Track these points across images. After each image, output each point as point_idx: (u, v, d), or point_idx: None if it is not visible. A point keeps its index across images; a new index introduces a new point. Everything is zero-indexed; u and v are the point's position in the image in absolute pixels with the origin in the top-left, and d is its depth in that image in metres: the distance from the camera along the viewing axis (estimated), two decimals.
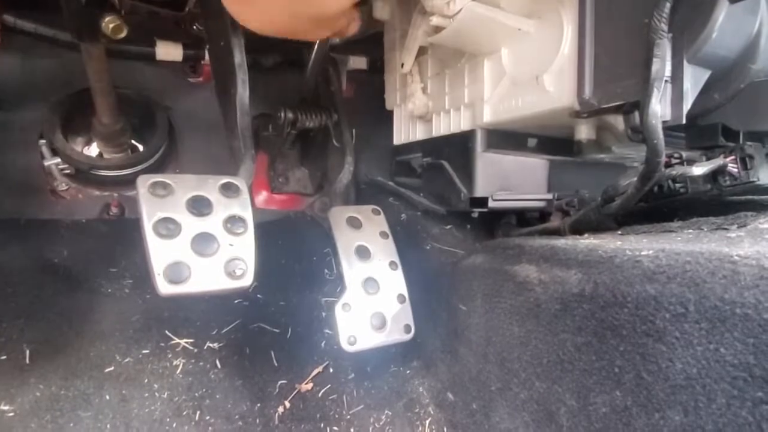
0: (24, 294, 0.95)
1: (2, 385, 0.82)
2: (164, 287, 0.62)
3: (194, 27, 1.30)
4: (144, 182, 0.66)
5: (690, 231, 0.63)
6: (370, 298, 0.91)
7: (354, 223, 0.97)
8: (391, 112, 1.27)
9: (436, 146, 1.10)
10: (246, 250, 0.68)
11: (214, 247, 0.66)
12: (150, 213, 0.64)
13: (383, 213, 1.04)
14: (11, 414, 0.80)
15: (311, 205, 1.22)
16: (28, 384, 0.83)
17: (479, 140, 0.98)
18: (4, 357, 0.86)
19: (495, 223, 1.14)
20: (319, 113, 1.17)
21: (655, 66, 0.61)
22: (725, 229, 0.59)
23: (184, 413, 0.89)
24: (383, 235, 0.99)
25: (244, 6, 0.56)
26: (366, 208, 1.02)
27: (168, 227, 0.64)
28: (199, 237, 0.66)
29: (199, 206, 0.68)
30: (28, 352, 0.87)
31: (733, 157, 0.69)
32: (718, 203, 0.74)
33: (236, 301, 1.09)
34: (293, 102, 1.17)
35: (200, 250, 0.65)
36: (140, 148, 1.26)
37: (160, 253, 0.62)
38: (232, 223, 0.69)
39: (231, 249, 0.67)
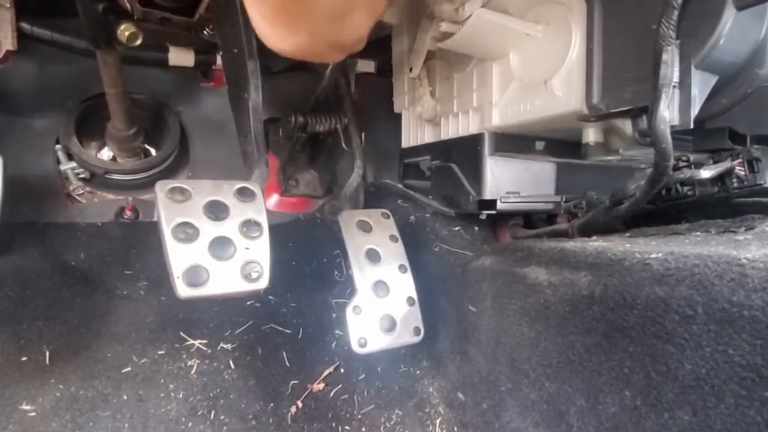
0: (42, 296, 0.97)
1: (23, 386, 0.84)
2: (183, 290, 0.63)
3: (205, 32, 1.32)
4: (162, 188, 0.68)
5: (698, 233, 0.64)
6: (380, 301, 0.92)
7: (364, 227, 0.99)
8: (399, 115, 1.29)
9: (444, 149, 1.11)
10: (261, 254, 0.70)
11: (231, 251, 0.68)
12: (169, 218, 0.66)
13: (392, 216, 1.05)
14: (33, 414, 0.82)
15: (321, 208, 1.23)
16: (48, 384, 0.85)
17: (487, 143, 0.99)
18: (24, 358, 0.88)
19: (503, 225, 1.16)
20: (329, 117, 1.17)
21: (663, 72, 0.62)
22: (733, 231, 0.60)
23: (200, 413, 0.90)
24: (393, 238, 1.00)
25: (281, 35, 0.57)
26: (375, 212, 1.03)
27: (186, 231, 0.66)
28: (217, 241, 0.67)
29: (216, 211, 0.69)
30: (47, 353, 0.89)
31: (740, 160, 0.70)
32: (725, 206, 0.75)
33: (248, 303, 1.11)
34: (303, 106, 1.18)
35: (218, 254, 0.67)
36: (153, 152, 1.28)
37: (179, 257, 0.64)
38: (248, 227, 0.71)
39: (247, 252, 0.69)
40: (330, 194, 1.34)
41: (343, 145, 1.18)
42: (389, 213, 1.04)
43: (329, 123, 1.17)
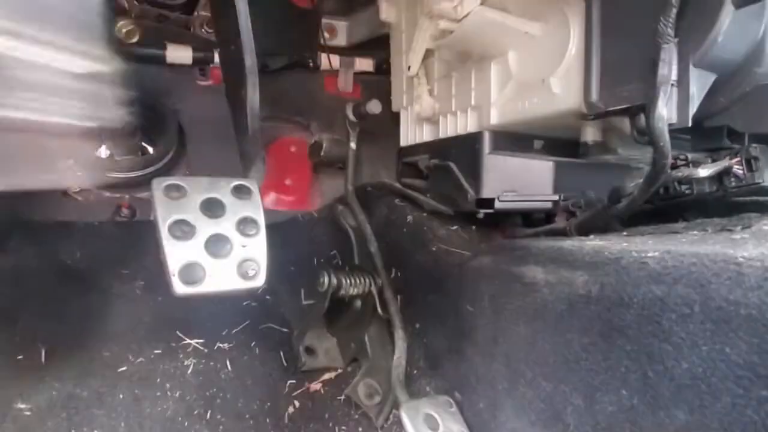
0: (38, 295, 0.97)
1: (19, 385, 0.84)
2: (179, 288, 0.63)
3: (203, 30, 1.32)
4: (158, 185, 0.67)
5: (695, 232, 0.64)
6: None
7: (431, 424, 0.84)
8: (397, 114, 1.28)
9: (442, 148, 1.10)
10: (258, 252, 0.70)
11: (227, 249, 0.68)
12: (165, 215, 0.65)
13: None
14: (28, 413, 0.81)
15: (354, 389, 1.03)
16: (43, 383, 0.85)
17: (486, 142, 0.98)
18: (20, 357, 0.87)
19: (501, 224, 1.15)
20: (363, 278, 1.07)
21: (662, 70, 0.61)
22: (730, 230, 0.60)
23: (196, 412, 0.90)
24: None
25: None
26: (443, 401, 0.89)
27: (183, 229, 0.65)
28: (213, 238, 0.67)
29: (213, 208, 0.69)
30: (43, 352, 0.89)
31: (738, 159, 0.69)
32: (723, 204, 0.75)
33: (245, 303, 1.11)
34: (336, 266, 1.10)
35: (214, 252, 0.66)
36: (150, 150, 1.27)
37: (175, 254, 0.64)
38: (245, 224, 0.70)
39: (243, 250, 0.69)
40: (354, 364, 1.13)
41: (379, 310, 1.06)
42: (452, 401, 0.90)
43: (363, 285, 1.06)
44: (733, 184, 0.69)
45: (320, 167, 1.41)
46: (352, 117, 1.26)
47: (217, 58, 1.26)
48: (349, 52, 1.46)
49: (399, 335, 1.01)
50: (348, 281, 1.05)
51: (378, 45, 1.39)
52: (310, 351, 1.09)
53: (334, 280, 1.02)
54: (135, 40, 0.93)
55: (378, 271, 1.09)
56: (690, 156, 0.74)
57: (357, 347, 1.09)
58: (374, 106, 1.20)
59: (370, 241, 1.13)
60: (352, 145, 1.29)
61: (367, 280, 1.07)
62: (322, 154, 1.28)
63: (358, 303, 1.11)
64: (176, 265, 0.64)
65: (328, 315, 1.10)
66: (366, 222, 1.17)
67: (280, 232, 1.26)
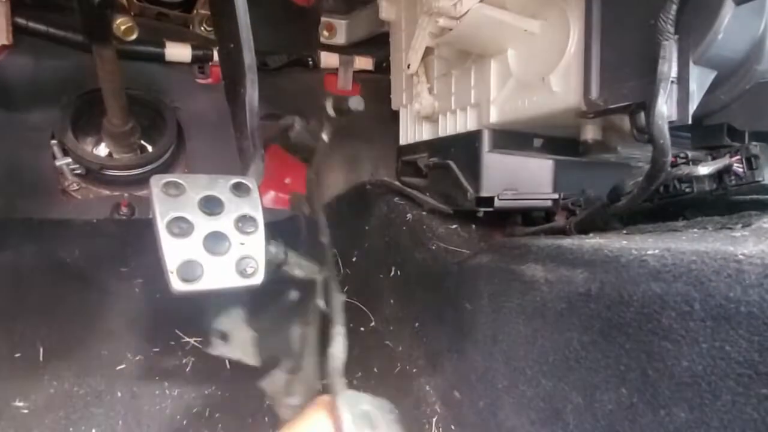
0: (37, 293, 0.96)
1: (17, 383, 0.84)
2: (178, 285, 0.63)
3: (202, 28, 1.32)
4: (157, 182, 0.67)
5: (695, 230, 0.64)
6: None
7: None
8: (396, 112, 1.28)
9: (442, 146, 1.10)
10: (256, 249, 0.69)
11: (226, 246, 0.67)
12: (163, 212, 0.65)
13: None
14: (25, 411, 0.81)
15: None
16: (41, 381, 0.85)
17: (485, 140, 0.98)
18: (18, 355, 0.87)
19: (500, 223, 1.15)
20: (312, 264, 0.98)
21: (662, 67, 0.61)
22: (730, 228, 0.60)
23: (194, 410, 0.90)
24: None
25: None
26: (385, 404, 0.82)
27: (181, 226, 0.65)
28: (211, 236, 0.67)
29: (211, 206, 0.69)
30: (41, 350, 0.89)
31: (738, 157, 0.69)
32: (723, 203, 0.75)
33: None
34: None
35: (212, 249, 0.66)
36: (149, 148, 1.27)
37: (173, 251, 0.63)
38: (243, 222, 0.70)
39: (242, 248, 0.68)
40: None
41: (321, 304, 0.98)
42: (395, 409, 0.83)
43: (310, 271, 0.97)
44: (733, 182, 0.69)
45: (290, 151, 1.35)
46: (331, 112, 1.19)
47: (216, 56, 1.26)
48: (348, 50, 1.46)
49: (338, 330, 0.91)
50: (296, 261, 0.93)
51: (377, 43, 1.39)
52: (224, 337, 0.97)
53: (282, 254, 0.89)
54: (134, 37, 0.93)
55: (327, 262, 1.03)
56: (690, 154, 0.73)
57: (301, 338, 1.01)
58: (357, 103, 1.15)
59: (322, 231, 1.09)
60: (324, 137, 1.22)
61: (315, 268, 0.98)
62: (291, 136, 1.22)
63: (297, 293, 1.03)
64: (174, 263, 0.63)
65: (262, 298, 0.97)
66: (321, 212, 1.14)
67: (279, 231, 1.25)
